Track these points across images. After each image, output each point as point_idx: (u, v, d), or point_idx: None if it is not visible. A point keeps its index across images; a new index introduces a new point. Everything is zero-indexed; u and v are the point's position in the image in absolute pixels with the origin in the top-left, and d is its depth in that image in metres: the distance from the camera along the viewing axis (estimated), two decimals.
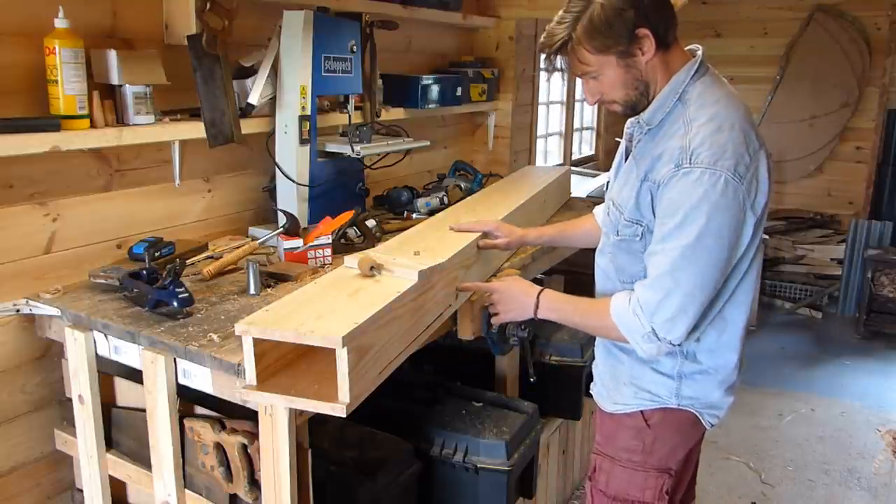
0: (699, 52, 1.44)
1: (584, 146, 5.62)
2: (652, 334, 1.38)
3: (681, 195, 1.33)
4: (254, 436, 1.54)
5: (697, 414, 1.52)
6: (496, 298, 1.67)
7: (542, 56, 1.45)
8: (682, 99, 1.40)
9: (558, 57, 1.41)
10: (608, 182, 1.70)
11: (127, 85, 1.91)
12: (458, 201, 2.61)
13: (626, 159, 1.55)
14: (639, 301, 1.39)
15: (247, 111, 2.27)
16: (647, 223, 1.43)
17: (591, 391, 1.71)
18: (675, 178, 1.33)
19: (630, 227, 1.46)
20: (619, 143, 1.64)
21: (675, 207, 1.34)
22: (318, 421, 1.53)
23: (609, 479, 1.59)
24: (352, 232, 2.32)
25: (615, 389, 1.58)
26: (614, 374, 1.59)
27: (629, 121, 1.55)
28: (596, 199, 3.28)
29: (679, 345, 1.41)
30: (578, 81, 5.49)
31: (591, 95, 1.46)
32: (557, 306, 1.59)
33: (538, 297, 1.59)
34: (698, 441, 1.64)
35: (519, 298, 1.62)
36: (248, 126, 2.28)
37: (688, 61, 1.42)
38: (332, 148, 2.49)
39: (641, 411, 1.53)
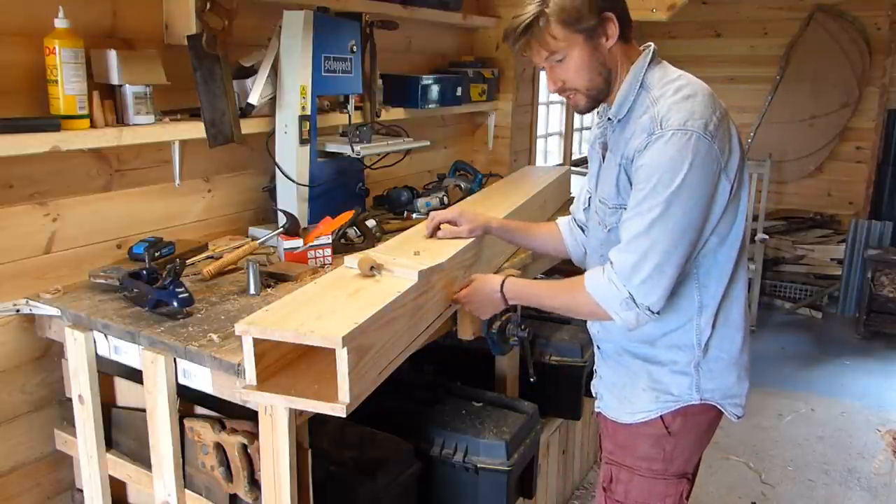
0: (651, 45, 1.48)
1: (584, 146, 5.62)
2: (630, 300, 1.36)
3: (653, 158, 1.34)
4: (254, 436, 1.54)
5: (720, 406, 1.52)
6: (469, 307, 1.72)
7: (508, 39, 1.45)
8: (643, 85, 1.44)
9: (523, 39, 1.41)
10: (587, 196, 1.70)
11: (127, 85, 1.91)
12: (458, 201, 2.61)
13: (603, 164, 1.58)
14: (612, 266, 1.38)
15: (247, 111, 2.27)
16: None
17: (597, 407, 1.68)
18: (649, 144, 1.35)
19: (615, 213, 1.47)
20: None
21: (650, 171, 1.34)
22: (318, 421, 1.53)
23: (628, 489, 1.57)
24: (352, 232, 2.32)
25: (632, 399, 1.55)
26: (629, 383, 1.56)
27: (597, 131, 1.59)
28: None
29: (657, 312, 1.38)
30: None
31: (554, 82, 1.47)
32: (522, 292, 1.61)
33: (502, 289, 1.61)
34: (709, 440, 1.63)
35: (487, 295, 1.65)
36: (248, 126, 2.28)
37: (641, 55, 1.47)
38: (332, 148, 2.49)
39: (661, 417, 1.51)
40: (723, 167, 1.36)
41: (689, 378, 1.49)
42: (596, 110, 1.56)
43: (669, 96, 1.38)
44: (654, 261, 1.34)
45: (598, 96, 1.48)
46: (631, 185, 1.41)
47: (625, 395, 1.57)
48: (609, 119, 1.50)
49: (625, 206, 1.43)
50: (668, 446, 1.52)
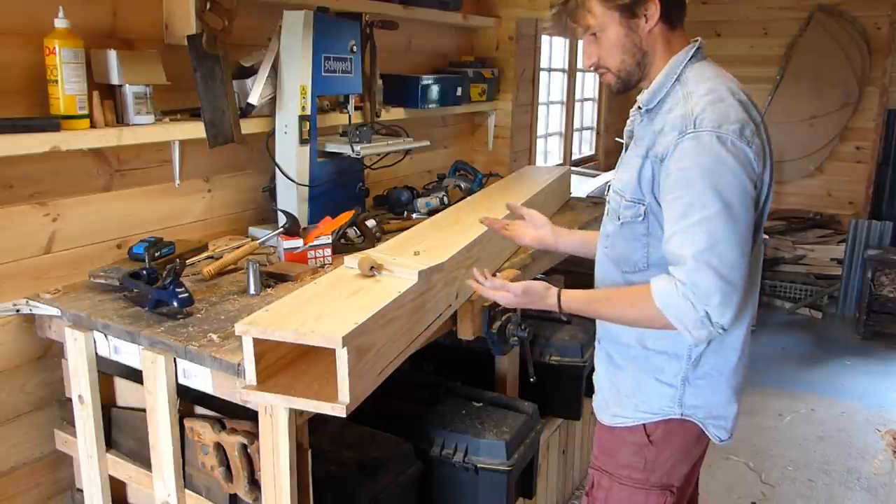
0: (699, 40, 1.44)
1: (584, 146, 5.62)
2: (706, 319, 1.28)
3: (692, 162, 1.28)
4: (254, 436, 1.54)
5: (702, 425, 1.47)
6: (515, 302, 1.55)
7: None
8: (679, 79, 1.38)
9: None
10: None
11: (127, 85, 1.91)
12: (458, 201, 2.61)
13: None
14: (686, 285, 1.28)
15: (247, 111, 2.27)
16: (648, 203, 1.38)
17: (593, 403, 1.65)
18: (681, 144, 1.29)
19: (632, 207, 1.41)
20: (619, 142, 1.62)
21: (688, 177, 1.28)
22: (318, 421, 1.53)
23: (608, 496, 1.54)
24: (352, 232, 2.32)
25: (616, 401, 1.53)
26: (616, 384, 1.53)
27: (631, 117, 1.53)
28: (596, 198, 3.28)
29: (726, 329, 1.30)
30: (578, 79, 5.43)
31: (588, 57, 1.44)
32: (581, 307, 1.50)
33: (559, 303, 1.49)
34: (701, 456, 1.59)
35: (541, 301, 1.52)
36: (248, 126, 2.28)
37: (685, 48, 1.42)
38: (332, 148, 2.49)
39: (643, 425, 1.48)
40: (758, 173, 1.31)
41: (672, 390, 1.45)
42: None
43: (703, 94, 1.32)
44: (726, 276, 1.26)
45: (629, 79, 1.43)
46: (654, 183, 1.36)
47: (610, 396, 1.55)
48: (639, 107, 1.44)
49: (643, 202, 1.38)
50: (649, 455, 1.49)
